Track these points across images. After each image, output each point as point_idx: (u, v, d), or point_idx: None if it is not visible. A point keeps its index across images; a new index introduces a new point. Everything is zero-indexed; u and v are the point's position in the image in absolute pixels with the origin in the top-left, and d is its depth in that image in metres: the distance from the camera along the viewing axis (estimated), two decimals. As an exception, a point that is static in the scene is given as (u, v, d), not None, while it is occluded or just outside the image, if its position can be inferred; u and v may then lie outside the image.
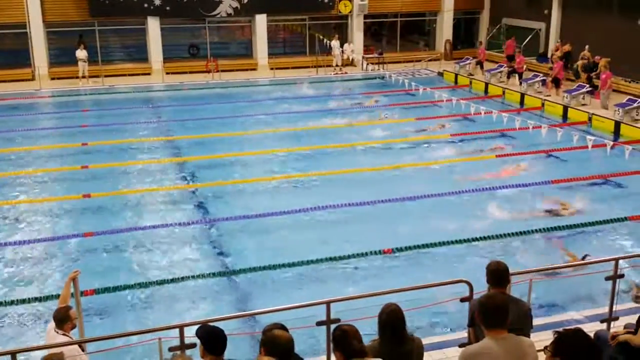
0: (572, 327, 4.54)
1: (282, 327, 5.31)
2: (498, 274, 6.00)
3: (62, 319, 6.88)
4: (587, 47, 25.16)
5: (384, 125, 21.14)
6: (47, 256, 12.17)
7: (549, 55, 27.81)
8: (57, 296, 8.49)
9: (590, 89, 22.93)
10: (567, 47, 26.19)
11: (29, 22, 28.46)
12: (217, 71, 29.23)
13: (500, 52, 31.82)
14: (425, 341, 5.97)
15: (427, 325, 9.31)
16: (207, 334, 5.14)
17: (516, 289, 7.69)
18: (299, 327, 6.50)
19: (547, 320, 8.82)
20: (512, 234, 12.50)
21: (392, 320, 5.30)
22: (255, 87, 28.53)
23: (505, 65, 27.65)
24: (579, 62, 24.87)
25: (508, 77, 27.09)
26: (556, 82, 24.42)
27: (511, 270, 6.22)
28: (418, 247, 11.95)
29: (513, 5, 32.25)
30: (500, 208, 14.05)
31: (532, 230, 12.68)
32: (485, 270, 6.12)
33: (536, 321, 6.32)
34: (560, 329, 4.48)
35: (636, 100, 20.84)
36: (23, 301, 10.38)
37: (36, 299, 10.40)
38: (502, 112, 21.11)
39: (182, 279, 11.07)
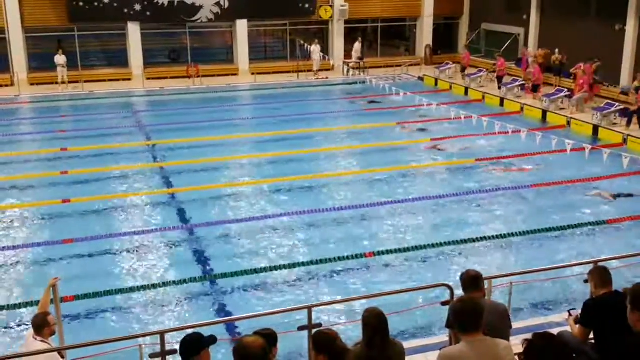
0: (541, 331, 4.57)
1: (270, 333, 5.32)
2: (469, 280, 6.17)
3: (40, 325, 6.83)
4: (557, 50, 25.82)
5: (364, 130, 21.23)
6: (26, 263, 12.03)
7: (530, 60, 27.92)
8: (37, 303, 8.42)
9: (568, 93, 23.10)
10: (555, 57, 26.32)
11: (7, 27, 28.18)
12: (198, 76, 29.13)
13: (480, 57, 32.04)
14: (406, 345, 5.99)
15: (409, 329, 9.32)
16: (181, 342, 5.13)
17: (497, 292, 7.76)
18: (281, 332, 6.50)
19: (528, 323, 8.87)
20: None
21: (375, 325, 5.31)
22: (237, 92, 28.48)
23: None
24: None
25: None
26: (534, 88, 24.56)
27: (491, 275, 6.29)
28: (399, 250, 11.99)
29: (492, 10, 32.50)
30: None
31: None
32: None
33: (517, 324, 6.39)
34: (529, 335, 4.51)
35: (614, 104, 21.05)
36: (1, 308, 10.27)
37: (15, 306, 10.28)
38: (481, 116, 21.23)
39: (163, 284, 11.00)
